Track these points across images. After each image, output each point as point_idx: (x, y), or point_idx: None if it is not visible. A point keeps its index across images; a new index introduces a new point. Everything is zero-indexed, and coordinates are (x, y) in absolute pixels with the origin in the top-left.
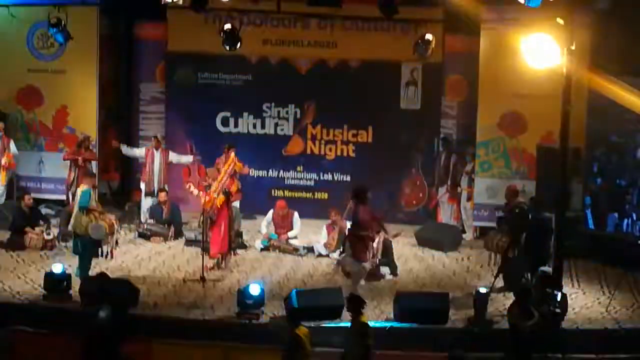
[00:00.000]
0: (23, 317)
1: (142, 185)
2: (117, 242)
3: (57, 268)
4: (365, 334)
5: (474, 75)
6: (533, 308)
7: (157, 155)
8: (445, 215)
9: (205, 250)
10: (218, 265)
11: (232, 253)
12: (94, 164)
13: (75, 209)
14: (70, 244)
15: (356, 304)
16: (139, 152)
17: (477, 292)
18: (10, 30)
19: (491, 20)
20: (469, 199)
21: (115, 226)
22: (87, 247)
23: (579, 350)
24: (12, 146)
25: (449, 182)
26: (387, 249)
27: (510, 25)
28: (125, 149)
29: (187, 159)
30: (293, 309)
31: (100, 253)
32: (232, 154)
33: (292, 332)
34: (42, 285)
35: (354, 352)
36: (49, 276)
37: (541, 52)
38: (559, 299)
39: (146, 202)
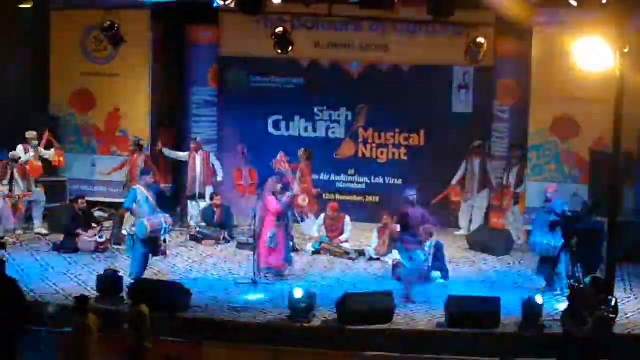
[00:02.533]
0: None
1: (194, 189)
2: (165, 241)
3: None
4: None
5: (526, 78)
6: (586, 313)
7: (198, 158)
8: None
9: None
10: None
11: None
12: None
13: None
14: (123, 246)
15: None
16: (183, 155)
17: (529, 296)
18: (65, 33)
19: (543, 23)
20: (517, 202)
21: (167, 225)
22: (137, 248)
23: (631, 356)
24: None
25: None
26: (438, 252)
27: (562, 28)
28: (168, 152)
29: (219, 167)
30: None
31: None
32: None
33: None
34: (95, 286)
35: None
36: (102, 278)
37: (593, 55)
38: (612, 304)
39: (191, 206)
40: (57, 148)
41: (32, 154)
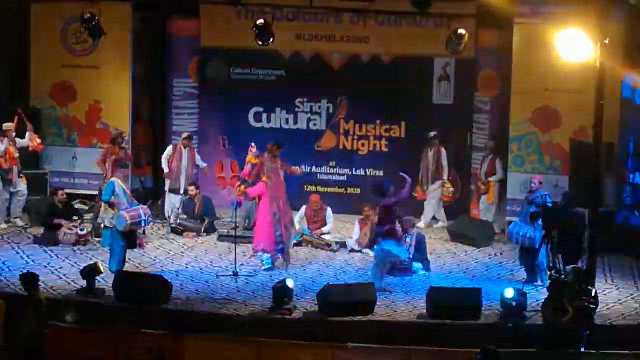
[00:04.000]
0: (56, 312)
1: (167, 182)
2: (144, 232)
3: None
4: None
5: (507, 70)
6: (567, 304)
7: (185, 154)
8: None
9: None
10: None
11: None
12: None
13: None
14: (103, 238)
15: None
16: (166, 154)
17: (509, 288)
18: (45, 25)
19: (524, 14)
20: (485, 192)
21: (145, 216)
22: (116, 240)
23: (612, 346)
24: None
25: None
26: (420, 244)
27: (543, 20)
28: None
29: (204, 164)
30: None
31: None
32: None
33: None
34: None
35: None
36: (84, 271)
37: (574, 46)
38: (592, 294)
39: (169, 199)
40: (29, 130)
41: (6, 145)
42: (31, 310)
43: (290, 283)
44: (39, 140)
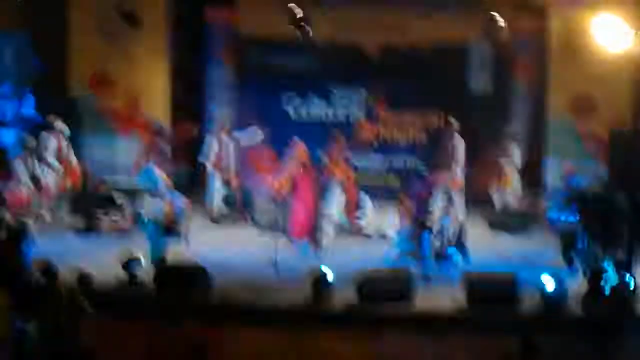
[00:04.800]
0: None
1: (214, 172)
2: (184, 221)
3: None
4: None
5: (545, 57)
6: (606, 293)
7: (230, 142)
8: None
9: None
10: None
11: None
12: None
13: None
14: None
15: None
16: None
17: (547, 274)
18: (83, 15)
19: (561, 1)
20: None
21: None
22: (156, 230)
23: None
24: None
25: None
26: (460, 231)
27: (580, 6)
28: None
29: (252, 135)
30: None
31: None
32: (300, 145)
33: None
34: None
35: None
36: (123, 262)
37: (612, 33)
38: (632, 284)
39: (218, 189)
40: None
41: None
42: (50, 300)
43: (328, 272)
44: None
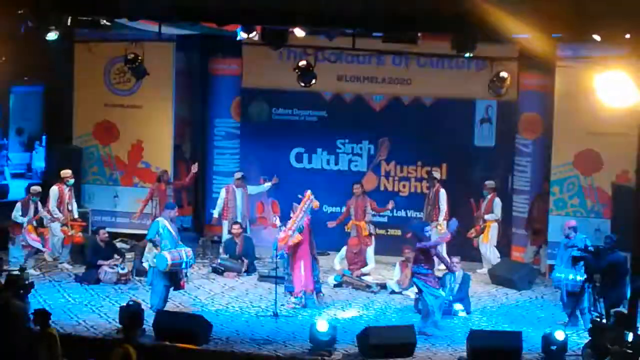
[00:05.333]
0: (97, 351)
1: (225, 223)
2: (186, 275)
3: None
4: None
5: (549, 112)
6: (607, 348)
7: (239, 193)
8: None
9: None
10: (300, 303)
11: (316, 293)
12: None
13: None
14: (144, 278)
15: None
16: (221, 197)
17: (551, 331)
18: (89, 66)
19: (566, 57)
20: (481, 233)
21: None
22: (158, 280)
23: None
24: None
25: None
26: (464, 284)
27: (585, 63)
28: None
29: (263, 187)
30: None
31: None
32: (309, 192)
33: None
34: (117, 319)
35: None
36: (124, 310)
37: (617, 89)
38: (632, 339)
39: (223, 238)
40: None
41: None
42: (44, 347)
43: (323, 325)
44: (80, 235)
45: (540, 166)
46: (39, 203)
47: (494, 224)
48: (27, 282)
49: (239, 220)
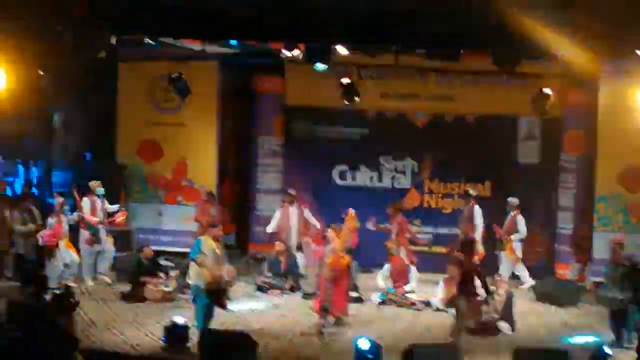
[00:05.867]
0: None
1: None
2: (228, 293)
3: (178, 320)
4: None
5: (594, 129)
6: None
7: (293, 211)
8: None
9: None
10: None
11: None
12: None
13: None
14: (189, 296)
15: None
16: (277, 215)
17: (598, 349)
18: (133, 84)
19: (610, 73)
20: (503, 249)
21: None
22: (201, 298)
23: None
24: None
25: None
26: (509, 302)
27: (629, 78)
28: (270, 228)
29: (315, 223)
30: None
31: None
32: (352, 211)
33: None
34: (162, 337)
35: None
36: (169, 328)
37: None
38: None
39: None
40: (121, 205)
41: (88, 209)
42: None
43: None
44: (123, 218)
45: (585, 183)
46: (105, 200)
47: (517, 242)
48: (72, 300)
49: (293, 238)
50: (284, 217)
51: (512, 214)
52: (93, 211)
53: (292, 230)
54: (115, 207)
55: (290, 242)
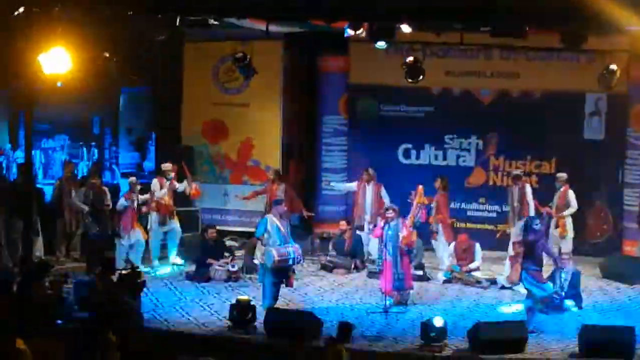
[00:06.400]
0: (208, 348)
1: (355, 220)
2: (294, 271)
3: (244, 299)
4: None
5: None
6: None
7: (369, 189)
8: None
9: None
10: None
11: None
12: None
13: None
14: (255, 275)
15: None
16: (349, 185)
17: None
18: (198, 64)
19: None
20: (556, 227)
21: (295, 255)
22: (267, 277)
23: None
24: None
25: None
26: (574, 279)
27: None
28: (336, 184)
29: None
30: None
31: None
32: (420, 187)
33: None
34: (228, 316)
35: None
36: (235, 307)
37: None
38: None
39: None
40: (189, 180)
41: (166, 189)
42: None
43: (438, 321)
44: (198, 189)
45: None
46: (175, 181)
47: (569, 217)
48: (139, 280)
49: (368, 216)
50: (359, 195)
51: (561, 189)
52: (163, 195)
53: (367, 209)
54: (182, 185)
55: (363, 222)
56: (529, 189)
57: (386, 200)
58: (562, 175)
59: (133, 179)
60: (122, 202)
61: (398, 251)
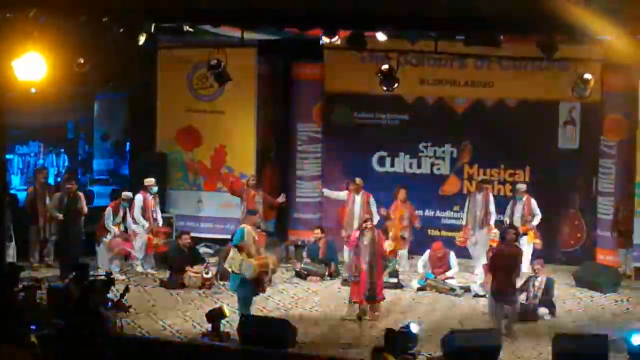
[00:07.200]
0: (183, 356)
1: (343, 231)
2: (270, 280)
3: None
4: None
5: (634, 114)
6: None
7: (358, 199)
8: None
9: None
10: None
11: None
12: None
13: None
14: (228, 282)
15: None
16: (342, 195)
17: (637, 335)
18: (172, 71)
19: None
20: (525, 234)
21: (272, 266)
22: (243, 286)
23: None
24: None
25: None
26: (549, 288)
27: None
28: (328, 192)
29: (342, 195)
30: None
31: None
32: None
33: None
34: (202, 323)
35: None
36: (209, 314)
37: None
38: None
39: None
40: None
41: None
42: None
43: (414, 328)
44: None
45: (625, 168)
46: (128, 209)
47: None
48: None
49: (355, 227)
50: (348, 205)
51: (523, 199)
52: (145, 210)
53: (354, 219)
54: (160, 221)
55: (351, 232)
56: (491, 197)
57: (373, 209)
58: (522, 186)
59: (127, 194)
60: (108, 213)
61: (375, 260)
